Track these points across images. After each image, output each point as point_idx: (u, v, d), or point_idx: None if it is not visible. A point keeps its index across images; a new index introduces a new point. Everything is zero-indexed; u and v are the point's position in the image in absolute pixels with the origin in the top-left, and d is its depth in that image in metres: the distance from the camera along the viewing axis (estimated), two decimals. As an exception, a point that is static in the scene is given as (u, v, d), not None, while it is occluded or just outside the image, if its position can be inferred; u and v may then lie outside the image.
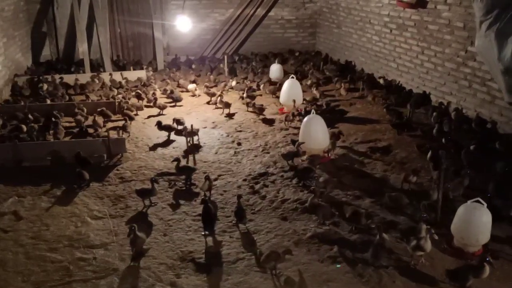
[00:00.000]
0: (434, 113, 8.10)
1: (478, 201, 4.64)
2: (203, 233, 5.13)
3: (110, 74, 10.69)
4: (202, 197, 5.75)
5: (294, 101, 8.76)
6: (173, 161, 6.46)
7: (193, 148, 7.06)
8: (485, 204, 4.60)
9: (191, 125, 7.12)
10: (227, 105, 8.95)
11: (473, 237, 4.62)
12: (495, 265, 4.34)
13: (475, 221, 4.58)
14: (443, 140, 7.13)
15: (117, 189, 6.13)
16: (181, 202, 5.85)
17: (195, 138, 7.33)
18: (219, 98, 9.20)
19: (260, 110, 8.92)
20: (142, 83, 10.58)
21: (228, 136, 7.94)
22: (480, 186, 5.82)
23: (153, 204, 5.74)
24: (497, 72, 6.23)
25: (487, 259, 4.16)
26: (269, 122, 8.61)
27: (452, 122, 7.79)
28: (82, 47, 11.82)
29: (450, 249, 4.78)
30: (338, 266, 4.56)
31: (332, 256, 4.70)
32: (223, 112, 8.95)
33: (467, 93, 8.29)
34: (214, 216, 5.24)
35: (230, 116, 8.94)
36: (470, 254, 4.66)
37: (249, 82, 10.90)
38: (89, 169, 6.32)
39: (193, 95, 10.17)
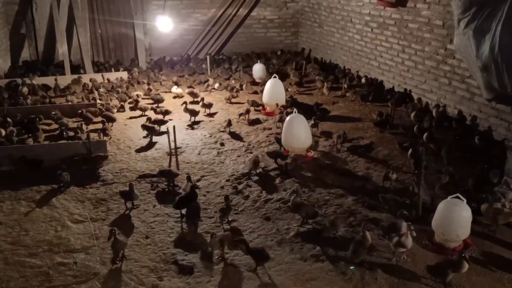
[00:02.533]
0: (415, 111, 8.18)
1: (457, 197, 4.69)
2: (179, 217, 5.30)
3: (91, 80, 10.57)
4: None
5: (277, 104, 8.81)
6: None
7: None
8: (465, 200, 4.65)
9: (174, 126, 7.06)
10: (193, 112, 8.60)
11: (453, 232, 4.67)
12: (475, 259, 4.42)
13: (455, 217, 4.63)
14: (424, 137, 7.20)
15: (98, 192, 6.05)
16: (164, 204, 5.80)
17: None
18: (184, 105, 8.81)
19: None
20: (126, 85, 10.49)
21: (211, 136, 7.90)
22: (460, 183, 5.90)
23: (135, 207, 5.67)
24: (475, 69, 6.29)
25: (463, 254, 4.21)
26: (252, 122, 8.60)
27: (433, 119, 7.89)
28: (62, 49, 11.65)
29: (431, 245, 4.83)
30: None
31: (315, 255, 4.71)
32: (190, 120, 8.64)
33: (447, 90, 8.39)
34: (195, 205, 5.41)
35: (211, 115, 8.94)
36: (450, 250, 4.72)
37: (233, 81, 10.91)
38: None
39: (176, 96, 10.11)
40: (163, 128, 7.74)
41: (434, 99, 8.67)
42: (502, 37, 5.66)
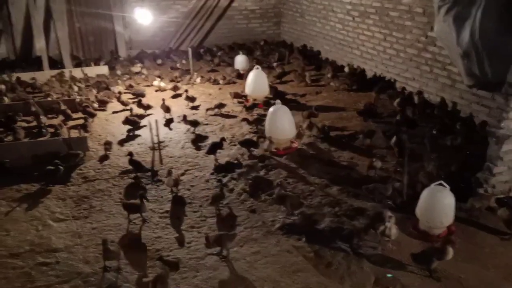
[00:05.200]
0: (398, 99, 8.21)
1: (441, 184, 4.71)
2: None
3: (70, 71, 10.37)
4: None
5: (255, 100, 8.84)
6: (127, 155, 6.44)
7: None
8: (448, 187, 4.68)
9: (156, 120, 6.96)
10: (168, 109, 8.34)
11: (437, 219, 4.71)
12: (459, 246, 4.46)
13: (438, 204, 4.67)
14: (407, 125, 7.24)
15: (80, 189, 5.94)
16: (148, 199, 5.71)
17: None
18: (162, 102, 8.46)
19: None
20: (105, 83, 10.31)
21: (194, 130, 7.81)
22: (443, 169, 5.93)
23: (146, 221, 5.27)
24: (456, 56, 6.31)
25: (450, 241, 4.24)
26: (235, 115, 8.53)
27: (415, 107, 7.93)
28: (39, 44, 11.37)
29: (416, 233, 4.85)
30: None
31: (300, 246, 4.70)
32: (165, 116, 8.31)
33: (428, 78, 8.42)
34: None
35: (195, 108, 8.83)
36: (435, 237, 4.75)
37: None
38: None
39: (158, 90, 9.98)
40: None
41: (417, 86, 8.70)
42: (482, 24, 5.67)
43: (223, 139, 6.78)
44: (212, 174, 6.32)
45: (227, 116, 8.44)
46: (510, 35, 5.36)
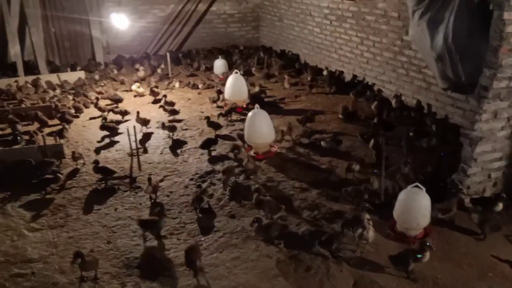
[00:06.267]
0: (375, 102, 8.31)
1: (417, 186, 4.78)
2: None
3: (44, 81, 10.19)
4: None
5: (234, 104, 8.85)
6: (92, 163, 6.32)
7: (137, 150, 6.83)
8: (424, 189, 4.75)
9: (134, 126, 6.89)
10: (145, 122, 7.97)
11: (414, 220, 4.76)
12: (435, 246, 4.53)
13: (415, 206, 4.73)
14: (384, 127, 7.34)
15: (56, 197, 5.84)
16: (126, 206, 5.66)
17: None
18: (137, 115, 8.04)
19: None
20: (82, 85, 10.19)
21: (173, 135, 7.75)
22: (420, 170, 6.03)
23: (163, 238, 5.03)
24: (430, 59, 6.44)
25: (427, 243, 4.30)
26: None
27: (392, 110, 8.05)
28: (14, 49, 11.17)
29: (393, 234, 4.91)
30: None
31: (280, 251, 4.70)
32: (141, 130, 7.85)
33: (404, 81, 8.56)
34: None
35: (174, 113, 8.73)
36: (412, 238, 4.81)
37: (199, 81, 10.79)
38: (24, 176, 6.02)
39: (137, 95, 9.90)
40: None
41: (393, 89, 8.83)
42: (455, 28, 5.80)
43: (218, 136, 7.12)
44: (191, 180, 6.28)
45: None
46: (482, 38, 5.47)
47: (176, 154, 7.07)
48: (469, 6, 5.79)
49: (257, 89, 9.55)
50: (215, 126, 7.70)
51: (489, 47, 5.01)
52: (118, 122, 8.02)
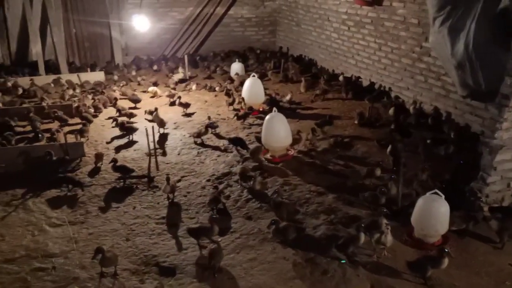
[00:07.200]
0: (392, 108, 8.30)
1: (436, 193, 4.77)
2: None
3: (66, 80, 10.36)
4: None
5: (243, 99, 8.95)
6: (109, 162, 6.40)
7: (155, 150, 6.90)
8: (443, 196, 4.74)
9: (152, 127, 6.97)
10: (162, 123, 7.98)
11: (432, 228, 4.75)
12: (453, 253, 4.51)
13: (433, 212, 4.72)
14: (401, 134, 7.33)
15: (77, 194, 5.94)
16: (144, 205, 5.73)
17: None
18: (154, 113, 8.14)
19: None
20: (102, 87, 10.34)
21: (190, 136, 7.82)
22: (438, 177, 6.00)
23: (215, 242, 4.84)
24: (450, 67, 6.43)
25: (446, 250, 4.29)
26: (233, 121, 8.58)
27: (409, 116, 8.03)
28: (35, 49, 11.40)
29: (411, 241, 4.90)
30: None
31: (296, 253, 4.72)
32: (158, 130, 7.87)
33: (423, 87, 8.53)
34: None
35: (188, 115, 8.84)
36: (430, 245, 4.80)
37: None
38: (45, 173, 6.13)
39: (153, 96, 10.01)
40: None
41: (411, 96, 8.81)
42: (476, 35, 5.79)
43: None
44: (208, 180, 6.34)
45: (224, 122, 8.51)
46: (503, 46, 5.47)
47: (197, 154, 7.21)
48: (490, 14, 5.78)
49: (288, 97, 9.48)
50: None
51: (510, 55, 4.99)
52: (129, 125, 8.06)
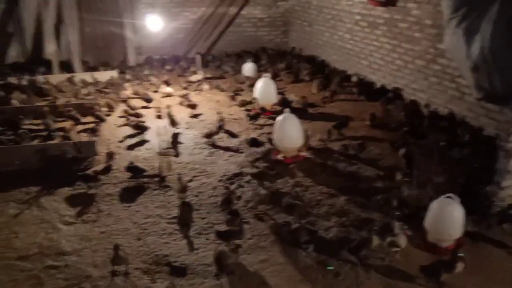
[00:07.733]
0: (406, 110, 8.22)
1: (450, 197, 4.72)
2: None
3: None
4: None
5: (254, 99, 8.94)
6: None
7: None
8: (457, 199, 4.68)
9: (165, 127, 7.01)
10: (174, 123, 8.06)
11: (446, 232, 4.70)
12: (467, 258, 4.45)
13: (447, 216, 4.67)
14: (415, 136, 7.26)
15: (89, 193, 5.98)
16: (155, 204, 5.75)
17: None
18: (168, 110, 8.25)
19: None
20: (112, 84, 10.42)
21: (202, 136, 7.83)
22: (451, 181, 5.93)
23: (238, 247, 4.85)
24: (465, 69, 6.32)
25: (460, 254, 4.23)
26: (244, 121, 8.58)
27: (423, 118, 7.95)
28: (50, 48, 11.51)
29: (424, 245, 4.85)
30: (330, 267, 4.52)
31: (308, 256, 4.70)
32: (172, 126, 8.03)
33: (437, 89, 8.43)
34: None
35: (196, 116, 8.84)
36: (443, 249, 4.74)
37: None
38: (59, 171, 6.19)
39: (166, 96, 10.05)
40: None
41: (425, 98, 8.72)
42: (493, 38, 5.70)
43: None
44: (219, 181, 6.34)
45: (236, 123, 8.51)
46: (519, 49, 5.38)
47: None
48: (507, 15, 5.69)
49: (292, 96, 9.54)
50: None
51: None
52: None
